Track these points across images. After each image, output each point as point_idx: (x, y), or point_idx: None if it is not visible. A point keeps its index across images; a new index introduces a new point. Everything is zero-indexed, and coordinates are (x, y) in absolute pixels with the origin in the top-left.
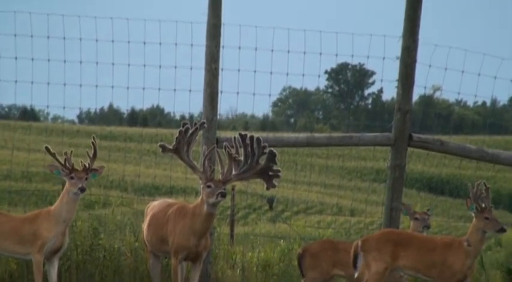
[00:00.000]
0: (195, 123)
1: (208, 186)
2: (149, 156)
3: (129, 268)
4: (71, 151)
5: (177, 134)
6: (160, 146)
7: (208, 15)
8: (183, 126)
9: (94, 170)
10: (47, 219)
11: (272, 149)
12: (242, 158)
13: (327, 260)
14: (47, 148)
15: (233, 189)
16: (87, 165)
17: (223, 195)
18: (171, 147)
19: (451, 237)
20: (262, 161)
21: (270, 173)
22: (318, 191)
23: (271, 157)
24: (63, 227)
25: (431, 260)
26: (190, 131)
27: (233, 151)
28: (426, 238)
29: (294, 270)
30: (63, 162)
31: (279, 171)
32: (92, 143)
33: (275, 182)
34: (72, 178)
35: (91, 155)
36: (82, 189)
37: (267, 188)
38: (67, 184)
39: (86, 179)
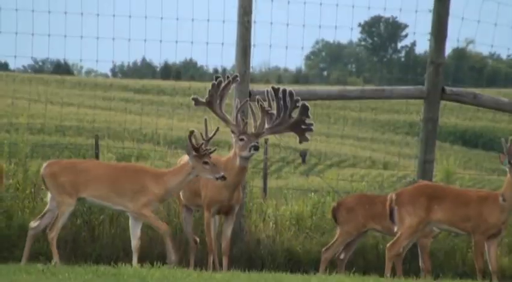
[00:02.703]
0: (228, 77)
1: (241, 140)
2: (182, 109)
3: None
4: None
5: (210, 87)
6: (193, 99)
7: None
8: (215, 80)
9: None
10: (155, 181)
11: (305, 102)
12: (275, 112)
13: (362, 214)
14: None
15: (266, 142)
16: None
17: (256, 148)
18: (204, 100)
19: (486, 191)
20: (295, 114)
21: (303, 127)
22: (351, 144)
23: (304, 110)
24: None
25: (466, 213)
26: (223, 84)
27: (266, 104)
28: (461, 191)
29: (327, 223)
30: (196, 146)
31: (312, 124)
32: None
33: (308, 135)
34: (206, 163)
35: (204, 138)
36: (223, 177)
37: (300, 142)
38: (195, 165)
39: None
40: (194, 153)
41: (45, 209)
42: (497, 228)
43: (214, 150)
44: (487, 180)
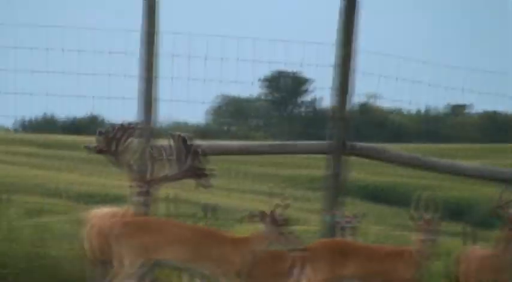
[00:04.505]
0: (122, 125)
1: (131, 186)
2: (83, 164)
3: (68, 275)
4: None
5: (98, 135)
6: (86, 147)
7: (143, 23)
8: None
9: None
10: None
11: (196, 147)
12: (173, 158)
13: (269, 271)
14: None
15: (168, 197)
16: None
17: (139, 193)
18: (95, 148)
19: (398, 247)
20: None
21: (198, 172)
22: (251, 199)
23: (196, 155)
24: None
25: (378, 269)
26: (112, 133)
27: (158, 154)
28: (372, 247)
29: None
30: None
31: (205, 169)
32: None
33: (205, 180)
34: (282, 233)
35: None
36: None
37: (197, 187)
38: (269, 236)
39: None
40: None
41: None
42: None
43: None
44: (391, 235)
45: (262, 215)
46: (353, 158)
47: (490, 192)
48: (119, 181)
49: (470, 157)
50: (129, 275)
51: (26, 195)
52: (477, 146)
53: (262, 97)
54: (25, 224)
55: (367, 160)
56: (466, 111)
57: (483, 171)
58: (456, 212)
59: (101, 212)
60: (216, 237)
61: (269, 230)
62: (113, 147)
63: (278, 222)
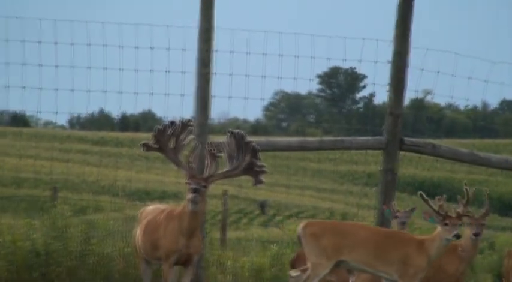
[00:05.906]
0: (182, 122)
1: (188, 183)
2: (141, 161)
3: (120, 273)
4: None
5: (155, 132)
6: (144, 144)
7: (199, 19)
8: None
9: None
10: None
11: (254, 144)
12: (228, 156)
13: None
14: (421, 195)
15: (225, 193)
16: (460, 212)
17: (195, 190)
18: (154, 145)
19: None
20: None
21: (256, 169)
22: (310, 195)
23: (254, 153)
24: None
25: None
26: (169, 129)
27: (215, 150)
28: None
29: (286, 274)
30: (437, 209)
31: (264, 166)
32: (465, 189)
33: (262, 177)
34: (446, 225)
35: (463, 202)
36: (458, 236)
37: (255, 184)
38: (439, 229)
39: (460, 225)
40: (440, 217)
41: None
42: (455, 278)
43: (465, 215)
44: None
45: (433, 213)
46: (401, 153)
47: None
48: (177, 178)
49: None
50: (319, 276)
51: (81, 193)
52: None
53: (321, 93)
54: (79, 222)
55: (415, 155)
56: None
57: None
58: (510, 207)
59: (150, 209)
60: (401, 238)
61: (444, 229)
62: (171, 144)
63: (442, 215)
